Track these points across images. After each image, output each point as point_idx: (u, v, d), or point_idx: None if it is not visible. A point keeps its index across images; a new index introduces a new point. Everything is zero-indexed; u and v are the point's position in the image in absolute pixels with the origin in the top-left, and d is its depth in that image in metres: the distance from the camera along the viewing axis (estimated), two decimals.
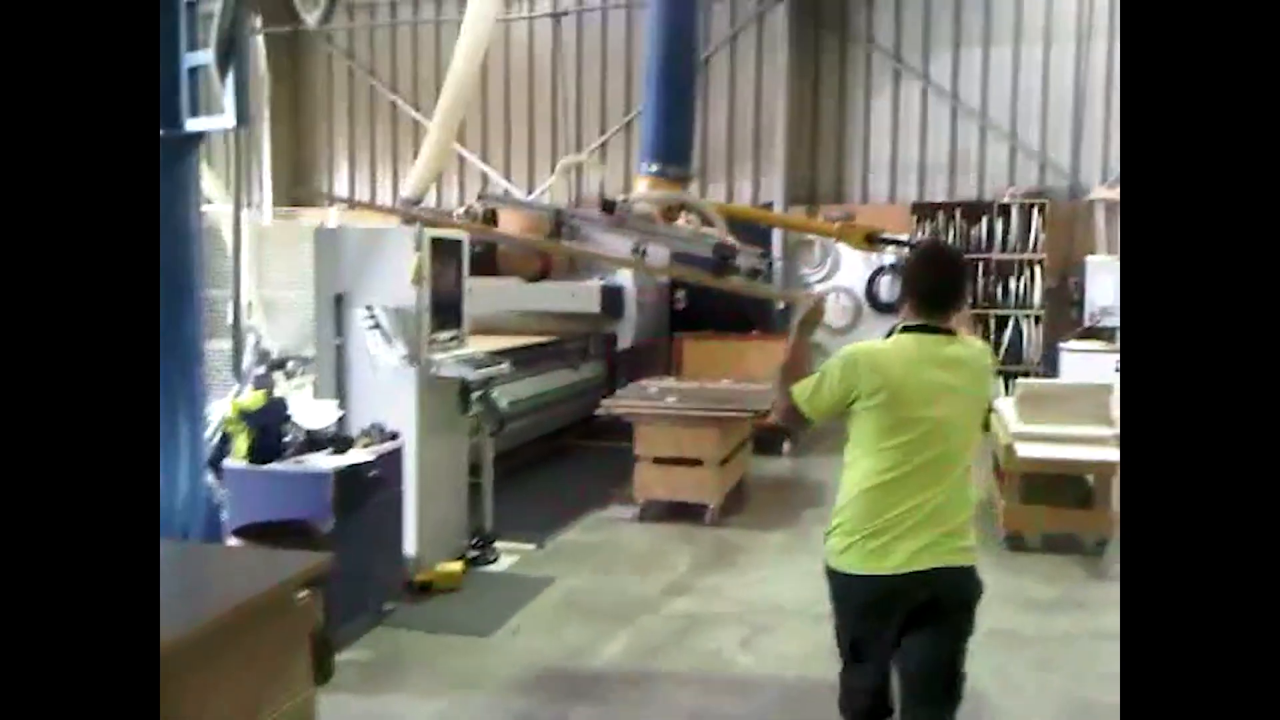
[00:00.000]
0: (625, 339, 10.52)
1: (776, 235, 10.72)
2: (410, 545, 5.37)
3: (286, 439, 4.55)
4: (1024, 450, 6.01)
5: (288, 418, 4.60)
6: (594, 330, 10.39)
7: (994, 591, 5.63)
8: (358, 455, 4.68)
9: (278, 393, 6.40)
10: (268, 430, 4.42)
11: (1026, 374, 10.36)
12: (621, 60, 11.88)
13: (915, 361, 2.86)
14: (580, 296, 10.20)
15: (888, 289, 11.18)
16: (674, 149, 5.02)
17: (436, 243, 5.47)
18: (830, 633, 3.03)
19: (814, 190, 11.60)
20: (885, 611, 2.85)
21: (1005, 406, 6.85)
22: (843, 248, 11.04)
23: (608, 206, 4.45)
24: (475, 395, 5.75)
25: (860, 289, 11.21)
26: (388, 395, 5.34)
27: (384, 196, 12.79)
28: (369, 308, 5.19)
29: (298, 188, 13.13)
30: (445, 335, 5.59)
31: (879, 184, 11.47)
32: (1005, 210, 10.54)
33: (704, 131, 11.85)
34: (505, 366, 5.88)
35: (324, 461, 4.51)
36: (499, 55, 12.46)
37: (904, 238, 4.49)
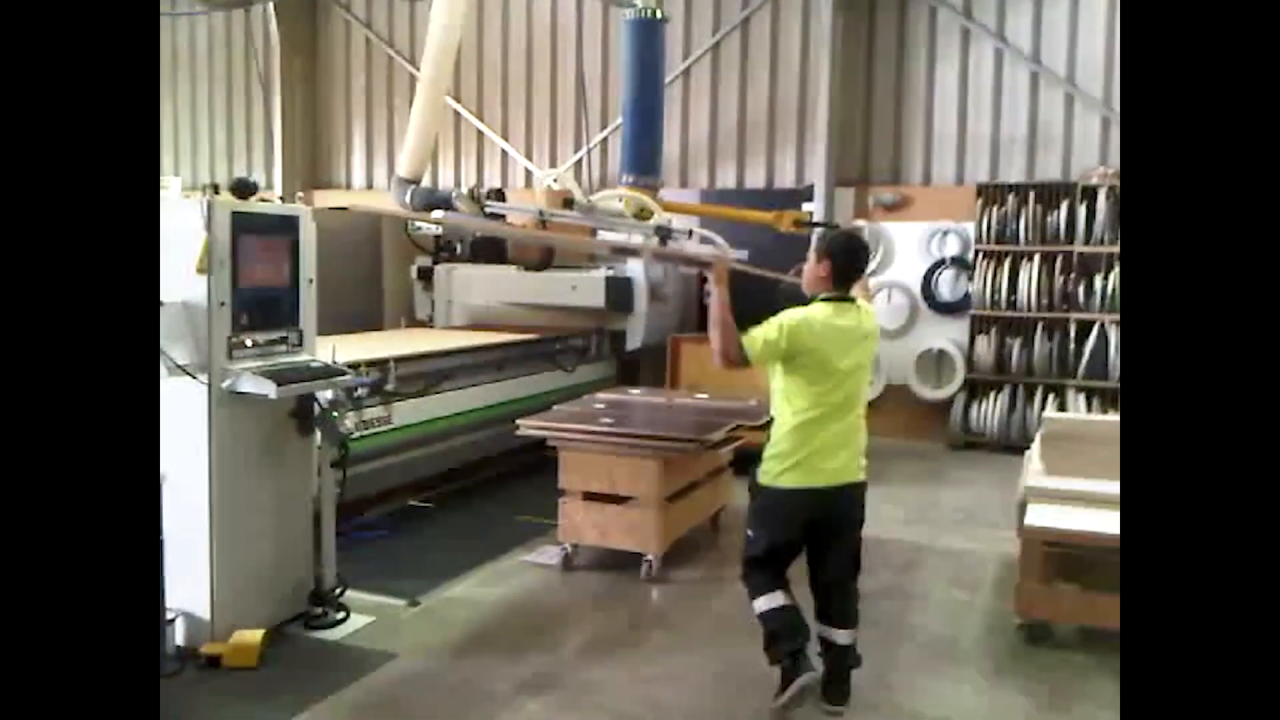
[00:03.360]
0: (635, 338, 9.08)
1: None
2: (202, 607, 4.20)
3: None
4: (1037, 515, 4.34)
5: None
6: (600, 327, 9.06)
7: (969, 712, 4.11)
8: None
9: None
10: None
11: (1115, 394, 8.60)
12: None
13: (834, 325, 3.72)
14: (582, 288, 8.83)
15: (949, 286, 9.50)
16: (644, 163, 6.58)
17: (246, 219, 4.24)
18: None
19: (867, 170, 9.95)
20: (805, 517, 3.76)
21: (1033, 450, 5.17)
22: (896, 241, 9.62)
23: (568, 203, 5.66)
24: (316, 414, 4.55)
25: (916, 286, 9.58)
26: (172, 414, 4.15)
27: None
28: None
29: (312, 168, 12.30)
30: (264, 338, 4.36)
31: (944, 163, 9.73)
32: (1091, 193, 8.66)
33: (741, 106, 10.41)
34: (351, 378, 4.61)
35: None
36: (520, 28, 11.33)
37: (832, 221, 5.75)
